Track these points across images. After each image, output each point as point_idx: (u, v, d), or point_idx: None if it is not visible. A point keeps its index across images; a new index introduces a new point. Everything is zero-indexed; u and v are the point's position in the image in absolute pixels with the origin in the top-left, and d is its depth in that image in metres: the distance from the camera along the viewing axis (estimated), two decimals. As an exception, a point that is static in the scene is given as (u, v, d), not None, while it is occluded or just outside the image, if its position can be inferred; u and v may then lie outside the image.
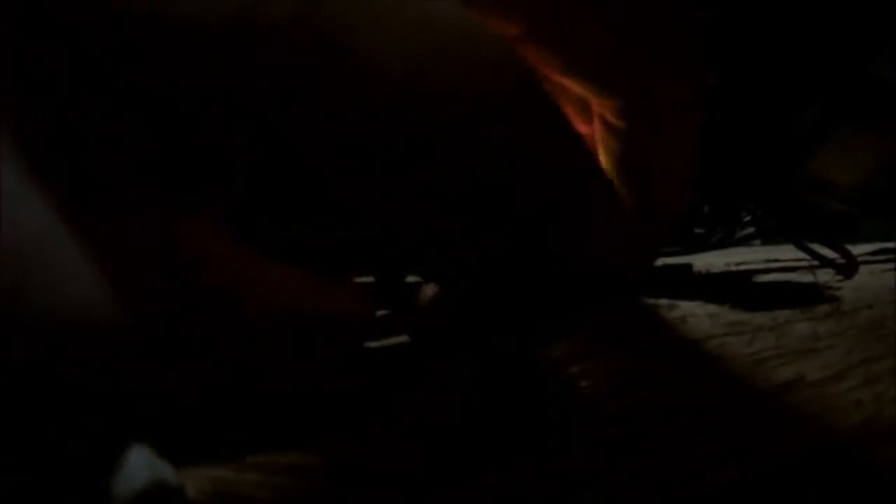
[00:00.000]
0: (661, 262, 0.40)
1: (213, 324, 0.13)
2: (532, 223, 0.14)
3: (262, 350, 0.14)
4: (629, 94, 0.16)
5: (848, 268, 0.33)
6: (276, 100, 0.11)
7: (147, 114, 0.11)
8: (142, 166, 0.12)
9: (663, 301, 0.29)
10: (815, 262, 0.35)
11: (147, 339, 0.12)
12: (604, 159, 0.18)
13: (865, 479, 0.12)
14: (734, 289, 0.33)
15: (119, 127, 0.11)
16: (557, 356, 0.20)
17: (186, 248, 0.13)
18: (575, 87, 0.16)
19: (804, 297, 0.28)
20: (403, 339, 0.23)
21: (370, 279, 0.25)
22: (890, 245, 0.45)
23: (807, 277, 0.34)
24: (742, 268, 0.42)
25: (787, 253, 0.42)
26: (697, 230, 0.37)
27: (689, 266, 0.39)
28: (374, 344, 0.23)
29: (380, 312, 0.26)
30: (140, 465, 0.12)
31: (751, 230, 0.38)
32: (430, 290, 0.24)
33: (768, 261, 0.44)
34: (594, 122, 0.17)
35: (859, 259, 0.34)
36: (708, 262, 0.47)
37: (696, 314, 0.25)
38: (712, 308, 0.26)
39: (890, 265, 0.39)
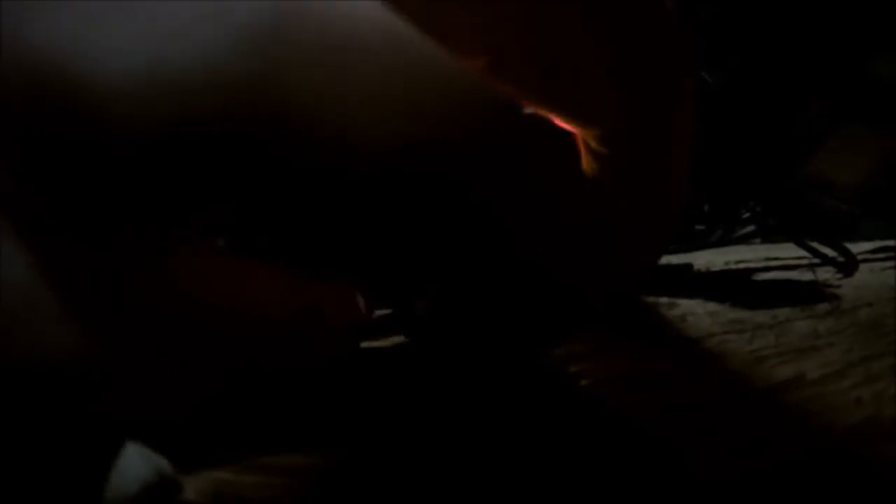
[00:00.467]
0: (661, 261, 0.39)
1: (206, 335, 0.13)
2: (529, 250, 0.14)
3: (253, 350, 0.14)
4: (608, 123, 0.16)
5: (848, 266, 0.33)
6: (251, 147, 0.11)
7: (125, 165, 0.11)
8: (126, 205, 0.12)
9: (663, 299, 0.29)
10: (816, 261, 0.35)
11: (134, 369, 0.12)
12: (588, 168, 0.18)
13: (865, 479, 0.12)
14: (734, 287, 0.33)
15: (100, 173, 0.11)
16: (558, 356, 0.20)
17: (177, 273, 0.13)
18: (550, 117, 0.16)
19: (804, 295, 0.28)
20: (401, 339, 0.23)
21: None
22: (890, 243, 0.45)
23: (807, 276, 0.34)
24: (742, 266, 0.42)
25: (787, 251, 0.42)
26: (698, 228, 0.37)
27: (689, 266, 0.39)
28: (372, 344, 0.23)
29: (377, 313, 0.26)
30: (137, 460, 0.12)
31: (751, 228, 0.38)
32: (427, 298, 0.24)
33: (768, 259, 0.44)
34: (579, 143, 0.17)
35: (859, 257, 0.34)
36: (708, 260, 0.47)
37: (696, 312, 0.25)
38: (712, 306, 0.26)
39: (890, 263, 0.39)
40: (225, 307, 0.13)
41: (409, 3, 0.12)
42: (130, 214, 0.12)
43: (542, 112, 0.16)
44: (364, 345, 0.23)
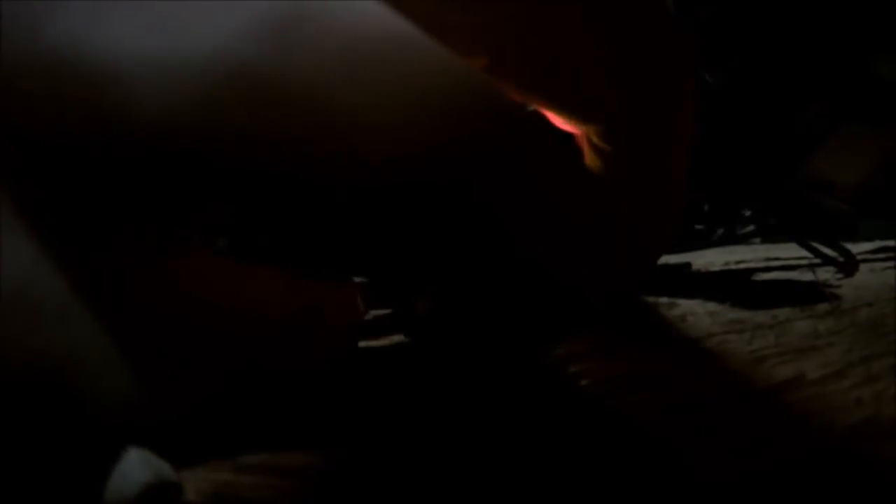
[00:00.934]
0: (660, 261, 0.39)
1: (206, 335, 0.13)
2: (529, 250, 0.14)
3: (254, 351, 0.14)
4: (609, 121, 0.16)
5: (848, 266, 0.33)
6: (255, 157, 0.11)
7: (127, 170, 0.11)
8: (130, 203, 0.12)
9: (663, 299, 0.29)
10: (816, 261, 0.35)
11: (133, 369, 0.12)
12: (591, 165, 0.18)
13: (865, 479, 0.11)
14: (734, 287, 0.33)
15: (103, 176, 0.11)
16: (558, 356, 0.20)
17: (177, 273, 0.12)
18: (551, 115, 0.16)
19: (804, 295, 0.28)
20: (401, 339, 0.23)
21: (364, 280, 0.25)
22: (890, 243, 0.45)
23: (807, 276, 0.34)
24: (742, 266, 0.42)
25: (788, 251, 0.42)
26: (697, 228, 0.37)
27: (687, 265, 0.39)
28: (372, 344, 0.23)
29: (376, 313, 0.26)
30: (138, 464, 0.12)
31: (751, 228, 0.38)
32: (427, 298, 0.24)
33: (768, 259, 0.44)
34: (582, 140, 0.17)
35: (859, 257, 0.34)
36: (708, 260, 0.47)
37: (695, 312, 0.25)
38: (712, 306, 0.26)
39: (890, 263, 0.39)
40: (225, 307, 0.13)
41: (408, 3, 0.12)
42: (134, 213, 0.12)
43: (542, 110, 0.16)
44: (364, 345, 0.23)
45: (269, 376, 0.14)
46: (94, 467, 0.11)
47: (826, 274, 0.34)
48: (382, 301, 0.26)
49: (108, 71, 0.10)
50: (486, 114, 0.13)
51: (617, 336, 0.23)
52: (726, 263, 0.43)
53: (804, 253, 0.36)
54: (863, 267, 0.34)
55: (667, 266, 0.38)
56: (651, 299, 0.29)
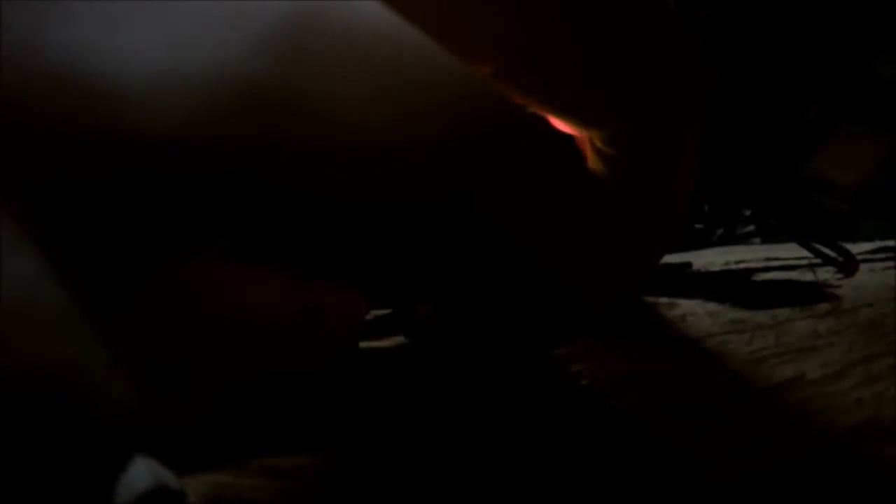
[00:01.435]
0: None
1: (207, 343, 0.13)
2: (529, 252, 0.14)
3: (255, 356, 0.14)
4: (614, 125, 0.16)
5: (848, 266, 0.33)
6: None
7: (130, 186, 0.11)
8: (135, 217, 0.12)
9: (663, 299, 0.29)
10: (816, 261, 0.35)
11: (141, 381, 0.12)
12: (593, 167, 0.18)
13: (865, 479, 0.12)
14: (734, 287, 0.33)
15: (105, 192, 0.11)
16: (559, 355, 0.20)
17: (176, 281, 0.12)
18: (556, 121, 0.16)
19: (804, 295, 0.28)
20: (401, 339, 0.23)
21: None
22: (890, 243, 0.45)
23: (807, 276, 0.34)
24: (742, 266, 0.42)
25: (788, 251, 0.42)
26: (697, 228, 0.37)
27: (688, 265, 0.39)
28: (372, 344, 0.23)
29: (376, 313, 0.26)
30: (142, 472, 0.12)
31: (751, 228, 0.38)
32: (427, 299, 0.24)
33: (768, 259, 0.44)
34: (583, 143, 0.17)
35: (859, 257, 0.34)
36: (708, 260, 0.47)
37: (695, 312, 0.25)
38: (712, 306, 0.26)
39: (890, 263, 0.39)
40: (224, 312, 0.13)
41: (415, 10, 0.12)
42: (141, 228, 0.12)
43: (543, 114, 0.16)
44: (364, 345, 0.23)
45: (270, 380, 0.14)
46: (98, 476, 0.11)
47: (826, 274, 0.34)
48: (383, 301, 0.26)
49: (116, 86, 0.10)
50: (493, 119, 0.13)
51: (617, 336, 0.23)
52: (726, 263, 0.43)
53: (804, 253, 0.36)
54: (863, 267, 0.34)
55: (667, 266, 0.38)
56: (651, 299, 0.29)
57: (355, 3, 0.11)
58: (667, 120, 0.16)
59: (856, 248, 0.37)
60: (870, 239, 0.46)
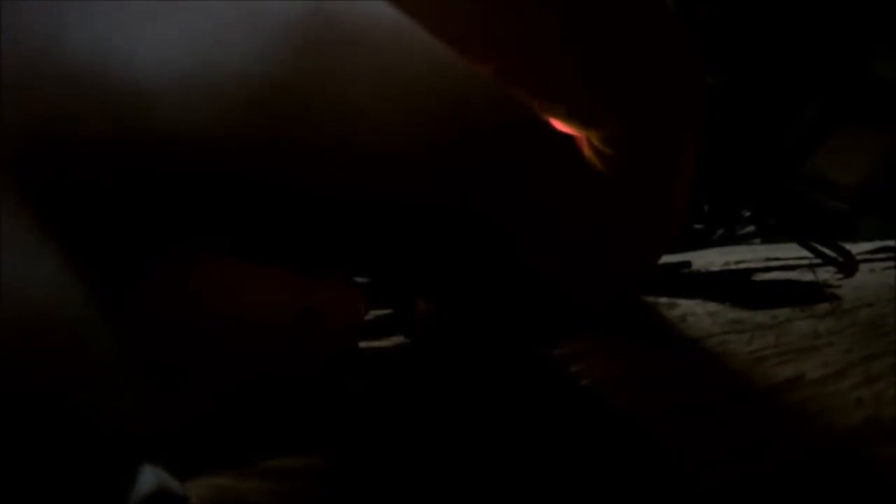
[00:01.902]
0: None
1: (206, 345, 0.13)
2: (527, 253, 0.14)
3: (255, 357, 0.14)
4: (613, 125, 0.16)
5: (848, 266, 0.33)
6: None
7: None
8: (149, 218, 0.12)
9: (663, 300, 0.29)
10: (816, 261, 0.35)
11: (145, 384, 0.12)
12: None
13: (865, 479, 0.12)
14: (734, 287, 0.33)
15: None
16: (559, 355, 0.20)
17: (178, 284, 0.12)
18: (555, 121, 0.16)
19: (804, 295, 0.28)
20: (401, 339, 0.23)
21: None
22: (890, 243, 0.45)
23: (807, 276, 0.34)
24: (742, 266, 0.42)
25: (788, 251, 0.42)
26: (697, 228, 0.37)
27: (687, 263, 0.39)
28: (372, 344, 0.23)
29: (376, 313, 0.26)
30: (147, 476, 0.12)
31: (751, 228, 0.38)
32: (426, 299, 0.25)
33: (768, 259, 0.44)
34: (582, 142, 0.17)
35: (859, 257, 0.34)
36: (708, 260, 0.47)
37: (696, 312, 0.25)
38: (712, 306, 0.26)
39: (890, 263, 0.39)
40: (224, 314, 0.13)
41: (417, 9, 0.12)
42: (157, 230, 0.12)
43: (544, 114, 0.16)
44: (364, 345, 0.23)
45: (270, 381, 0.14)
46: (104, 479, 0.11)
47: (826, 274, 0.34)
48: (383, 301, 0.26)
49: (136, 85, 0.10)
50: (496, 121, 0.13)
51: (617, 336, 0.23)
52: (726, 263, 0.43)
53: (804, 253, 0.36)
54: (863, 267, 0.34)
55: (666, 265, 0.38)
56: (651, 299, 0.29)
57: (366, 3, 0.11)
58: (666, 120, 0.16)
59: (856, 248, 0.37)
60: (870, 239, 0.46)
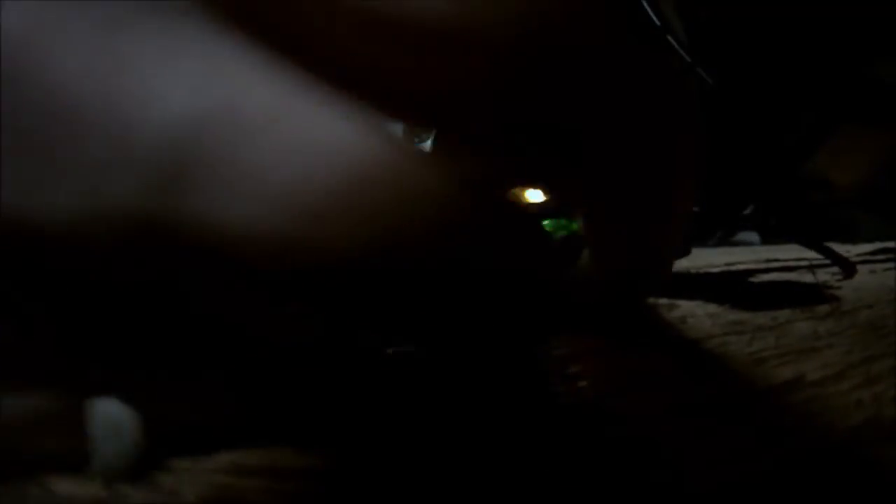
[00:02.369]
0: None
1: None
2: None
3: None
4: (593, 206, 0.15)
5: (849, 267, 0.33)
6: None
7: None
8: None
9: (663, 300, 0.29)
10: (816, 262, 0.35)
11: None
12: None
13: (865, 479, 0.12)
14: (734, 288, 0.33)
15: None
16: (557, 356, 0.20)
17: None
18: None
19: (804, 296, 0.28)
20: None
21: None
22: (890, 245, 0.45)
23: (807, 277, 0.34)
24: (742, 268, 0.42)
25: (788, 253, 0.42)
26: (697, 228, 0.37)
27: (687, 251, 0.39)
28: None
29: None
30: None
31: (751, 231, 0.38)
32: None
33: (768, 260, 0.44)
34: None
35: (859, 259, 0.34)
36: (708, 261, 0.47)
37: (695, 314, 0.25)
38: (712, 308, 0.26)
39: (890, 265, 0.39)
40: None
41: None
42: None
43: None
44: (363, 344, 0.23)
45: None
46: None
47: (826, 275, 0.34)
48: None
49: (45, 231, 0.11)
50: (442, 215, 0.11)
51: (617, 336, 0.23)
52: (726, 264, 0.43)
53: (804, 254, 0.36)
54: (863, 268, 0.34)
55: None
56: (651, 300, 0.29)
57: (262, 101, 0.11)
58: (649, 185, 0.15)
59: (856, 249, 0.37)
60: (870, 240, 0.46)
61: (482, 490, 0.12)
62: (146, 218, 0.11)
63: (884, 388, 0.15)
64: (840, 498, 0.11)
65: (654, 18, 0.32)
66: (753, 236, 0.42)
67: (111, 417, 0.12)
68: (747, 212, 0.35)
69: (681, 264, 0.40)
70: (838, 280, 0.33)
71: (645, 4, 0.33)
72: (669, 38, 0.32)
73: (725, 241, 0.38)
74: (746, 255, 0.52)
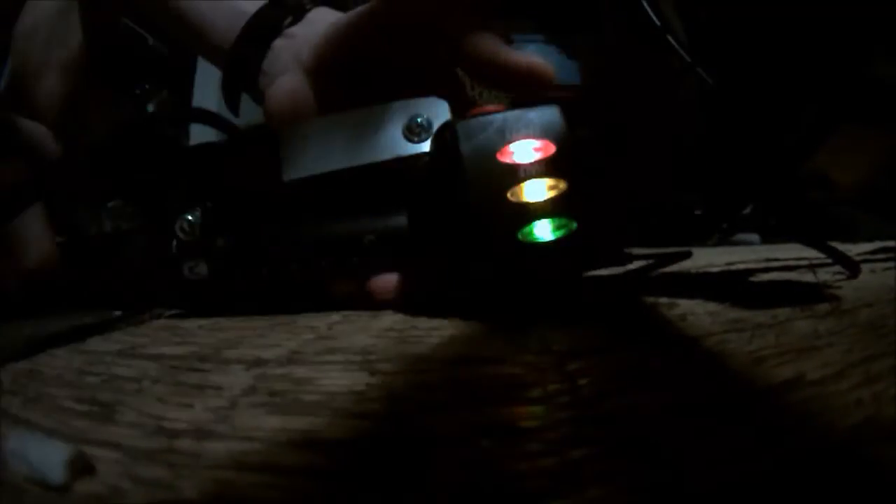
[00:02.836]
0: (662, 251, 0.40)
1: None
2: None
3: None
4: None
5: (852, 265, 0.33)
6: None
7: None
8: None
9: (663, 299, 0.29)
10: (817, 261, 0.35)
11: None
12: None
13: (865, 479, 0.12)
14: (734, 287, 0.33)
15: None
16: (557, 353, 0.20)
17: None
18: None
19: (804, 295, 0.28)
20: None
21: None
22: (890, 244, 0.45)
23: (807, 276, 0.34)
24: (742, 266, 0.42)
25: (788, 252, 0.42)
26: (697, 228, 0.37)
27: (688, 253, 0.39)
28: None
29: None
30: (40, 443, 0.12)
31: (751, 232, 0.38)
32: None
33: (768, 260, 0.44)
34: None
35: (859, 258, 0.34)
36: (708, 260, 0.47)
37: (695, 312, 0.25)
38: (712, 306, 0.26)
39: (890, 264, 0.39)
40: None
41: None
42: None
43: None
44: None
45: None
46: None
47: (826, 275, 0.34)
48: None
49: None
50: None
51: (617, 336, 0.23)
52: (726, 264, 0.43)
53: (804, 253, 0.36)
54: (863, 267, 0.34)
55: (668, 255, 0.38)
56: (651, 299, 0.29)
57: None
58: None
59: (856, 249, 0.37)
60: (870, 239, 0.46)
61: (482, 489, 0.12)
62: None
63: (884, 388, 0.15)
64: (840, 498, 0.11)
65: (654, 18, 0.32)
66: (753, 236, 0.42)
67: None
68: (747, 212, 0.35)
69: (681, 264, 0.40)
70: (839, 279, 0.33)
71: (645, 4, 0.33)
72: (669, 38, 0.32)
73: (725, 241, 0.38)
74: (746, 254, 0.52)
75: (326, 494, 0.12)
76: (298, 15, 0.36)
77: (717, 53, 0.30)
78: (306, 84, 0.35)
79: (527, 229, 0.25)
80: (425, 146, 0.31)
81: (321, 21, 0.36)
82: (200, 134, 0.62)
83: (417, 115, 0.32)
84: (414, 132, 0.31)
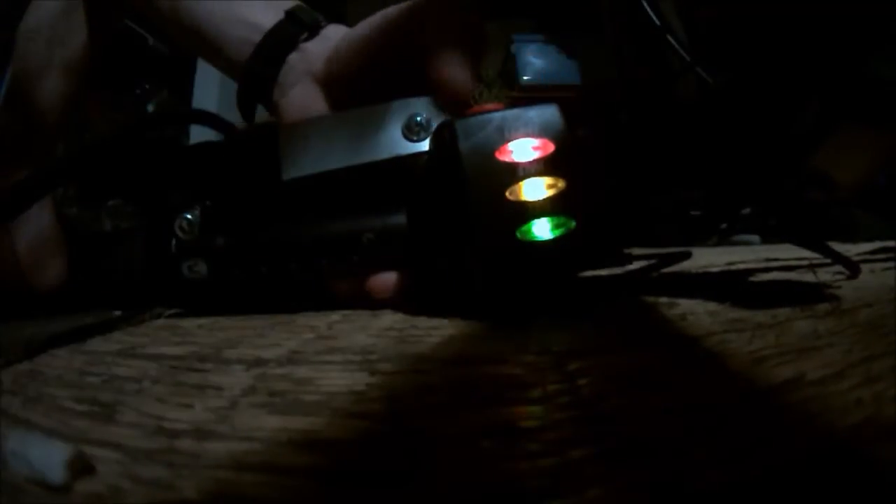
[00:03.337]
0: (662, 251, 0.40)
1: None
2: None
3: None
4: None
5: (853, 266, 0.33)
6: None
7: None
8: None
9: (663, 299, 0.29)
10: (817, 261, 0.35)
11: None
12: None
13: (865, 479, 0.12)
14: (734, 287, 0.33)
15: None
16: (557, 353, 0.20)
17: None
18: None
19: (804, 295, 0.28)
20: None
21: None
22: (890, 244, 0.45)
23: (807, 276, 0.34)
24: (742, 267, 0.42)
25: (787, 252, 0.42)
26: (697, 227, 0.37)
27: (688, 253, 0.39)
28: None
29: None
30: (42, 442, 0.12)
31: (751, 233, 0.38)
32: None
33: (768, 260, 0.44)
34: None
35: (859, 258, 0.34)
36: (708, 260, 0.47)
37: (696, 312, 0.25)
38: (712, 306, 0.26)
39: (890, 264, 0.39)
40: None
41: None
42: None
43: None
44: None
45: None
46: None
47: (826, 275, 0.34)
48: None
49: None
50: None
51: (617, 336, 0.23)
52: (727, 264, 0.43)
53: (804, 253, 0.36)
54: (863, 267, 0.34)
55: (669, 255, 0.38)
56: (651, 299, 0.29)
57: None
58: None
59: (856, 249, 0.37)
60: (869, 239, 0.46)
61: (481, 488, 0.12)
62: None
63: (884, 387, 0.15)
64: (840, 498, 0.11)
65: (654, 18, 0.32)
66: (753, 237, 0.42)
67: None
68: (747, 212, 0.35)
69: (681, 264, 0.40)
70: (839, 279, 0.33)
71: (645, 4, 0.33)
72: (669, 37, 0.32)
73: (725, 241, 0.39)
74: (746, 254, 0.52)
75: (326, 494, 0.12)
76: (314, 31, 0.37)
77: (717, 53, 0.30)
78: (320, 95, 0.36)
79: (525, 228, 0.25)
80: (424, 145, 0.31)
81: (335, 37, 0.37)
82: (200, 134, 0.62)
83: (416, 114, 0.32)
84: (413, 131, 0.32)
